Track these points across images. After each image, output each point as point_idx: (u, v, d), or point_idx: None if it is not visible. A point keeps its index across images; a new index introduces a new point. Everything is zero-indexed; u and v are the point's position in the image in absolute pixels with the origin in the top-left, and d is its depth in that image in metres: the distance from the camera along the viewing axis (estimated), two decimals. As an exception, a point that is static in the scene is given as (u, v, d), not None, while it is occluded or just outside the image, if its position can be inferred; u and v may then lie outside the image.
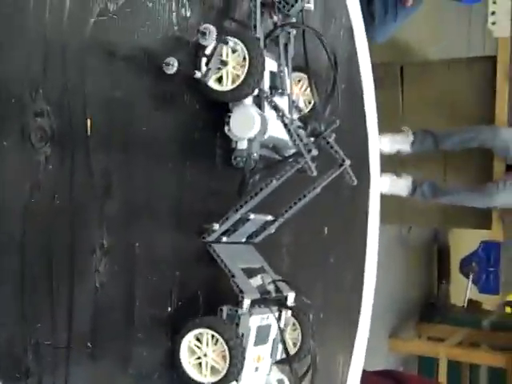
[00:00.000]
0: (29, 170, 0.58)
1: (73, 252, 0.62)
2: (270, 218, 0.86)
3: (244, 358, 0.74)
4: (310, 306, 0.87)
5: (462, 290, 4.25)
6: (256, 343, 0.78)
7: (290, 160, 0.80)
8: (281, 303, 0.82)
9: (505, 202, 2.78)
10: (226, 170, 0.82)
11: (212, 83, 0.75)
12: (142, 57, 0.70)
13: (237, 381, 0.75)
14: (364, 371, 1.18)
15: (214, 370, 0.74)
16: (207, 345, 0.74)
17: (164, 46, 0.73)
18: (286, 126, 0.78)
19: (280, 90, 0.83)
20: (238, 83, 0.75)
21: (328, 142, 0.83)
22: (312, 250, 1.06)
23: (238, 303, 0.76)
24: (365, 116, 1.22)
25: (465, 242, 4.11)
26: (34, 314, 0.59)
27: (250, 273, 0.82)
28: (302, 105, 0.90)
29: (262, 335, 0.79)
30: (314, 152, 0.78)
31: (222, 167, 0.83)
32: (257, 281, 0.82)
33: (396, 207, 3.02)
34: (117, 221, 0.67)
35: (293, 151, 0.84)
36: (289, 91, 0.84)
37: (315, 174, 0.77)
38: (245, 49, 0.74)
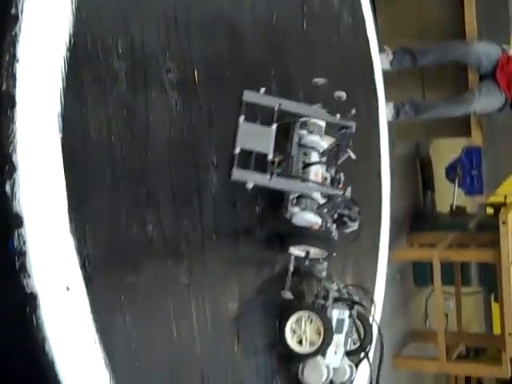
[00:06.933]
0: (167, 111, 0.81)
1: (197, 168, 0.86)
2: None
3: (332, 333, 1.00)
4: (373, 300, 1.15)
5: (447, 197, 4.54)
6: (335, 331, 1.03)
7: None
8: (351, 302, 1.07)
9: (482, 106, 3.03)
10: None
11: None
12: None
13: (323, 355, 1.01)
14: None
15: (311, 343, 0.99)
16: (305, 324, 0.99)
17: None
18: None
19: None
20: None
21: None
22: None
23: (325, 297, 1.02)
24: (368, 42, 1.44)
25: (445, 152, 4.38)
26: (182, 214, 0.82)
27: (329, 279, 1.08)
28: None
29: (339, 326, 1.05)
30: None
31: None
32: (334, 286, 1.07)
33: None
34: (218, 144, 0.90)
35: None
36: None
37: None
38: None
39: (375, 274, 1.46)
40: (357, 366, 1.10)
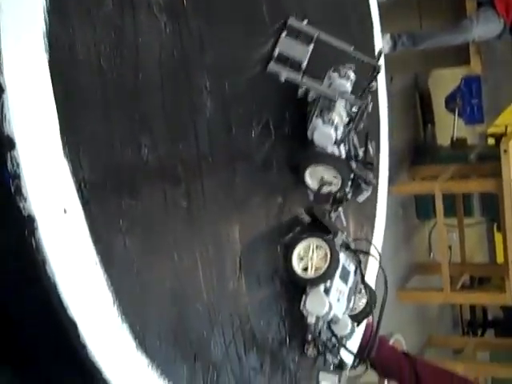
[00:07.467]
0: (156, 33, 0.79)
1: (191, 91, 0.85)
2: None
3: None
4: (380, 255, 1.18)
5: (447, 130, 4.52)
6: (340, 277, 1.03)
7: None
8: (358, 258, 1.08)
9: (481, 33, 2.99)
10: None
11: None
12: None
13: (327, 293, 1.00)
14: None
15: (316, 269, 1.00)
16: (313, 252, 0.99)
17: None
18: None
19: None
20: None
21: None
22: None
23: (334, 235, 1.03)
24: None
25: (444, 84, 4.34)
26: (177, 137, 0.82)
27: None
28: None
29: (344, 274, 1.04)
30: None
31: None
32: (342, 236, 1.07)
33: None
34: (211, 68, 0.89)
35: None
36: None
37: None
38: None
39: (375, 209, 1.46)
40: (359, 323, 1.12)
